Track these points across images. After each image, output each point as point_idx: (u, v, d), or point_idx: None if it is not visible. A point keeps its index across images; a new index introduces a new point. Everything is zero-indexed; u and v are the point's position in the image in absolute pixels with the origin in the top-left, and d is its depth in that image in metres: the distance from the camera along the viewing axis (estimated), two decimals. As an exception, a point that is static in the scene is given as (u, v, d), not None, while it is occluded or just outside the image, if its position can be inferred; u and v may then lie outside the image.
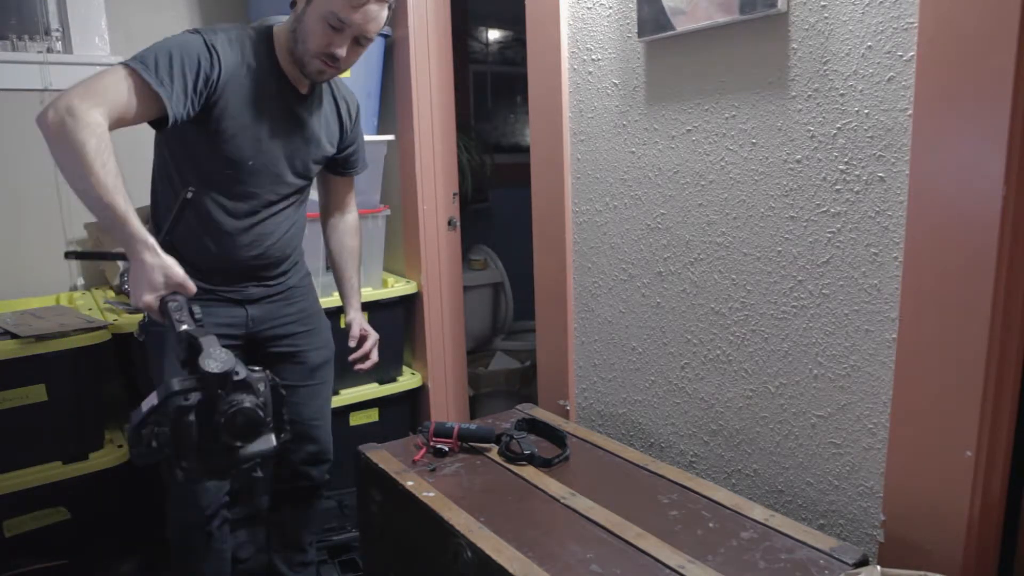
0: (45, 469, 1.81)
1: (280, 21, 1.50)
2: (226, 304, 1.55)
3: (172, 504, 1.60)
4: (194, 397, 1.02)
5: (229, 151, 1.44)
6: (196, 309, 1.21)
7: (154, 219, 1.53)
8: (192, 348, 1.09)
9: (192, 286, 1.23)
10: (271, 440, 1.09)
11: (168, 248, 1.27)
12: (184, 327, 1.14)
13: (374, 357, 1.78)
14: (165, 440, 1.04)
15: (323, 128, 1.60)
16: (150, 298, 1.20)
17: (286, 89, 1.50)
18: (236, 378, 1.04)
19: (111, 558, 1.90)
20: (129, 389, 2.11)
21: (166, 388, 1.03)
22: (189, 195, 1.27)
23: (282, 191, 1.56)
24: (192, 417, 1.02)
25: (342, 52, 1.44)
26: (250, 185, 1.50)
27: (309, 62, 1.44)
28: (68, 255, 1.39)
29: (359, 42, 1.46)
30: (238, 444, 1.05)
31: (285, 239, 1.61)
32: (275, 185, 1.54)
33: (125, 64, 1.28)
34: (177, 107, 1.32)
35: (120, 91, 1.26)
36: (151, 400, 1.05)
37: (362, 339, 1.77)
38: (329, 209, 1.80)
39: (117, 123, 1.27)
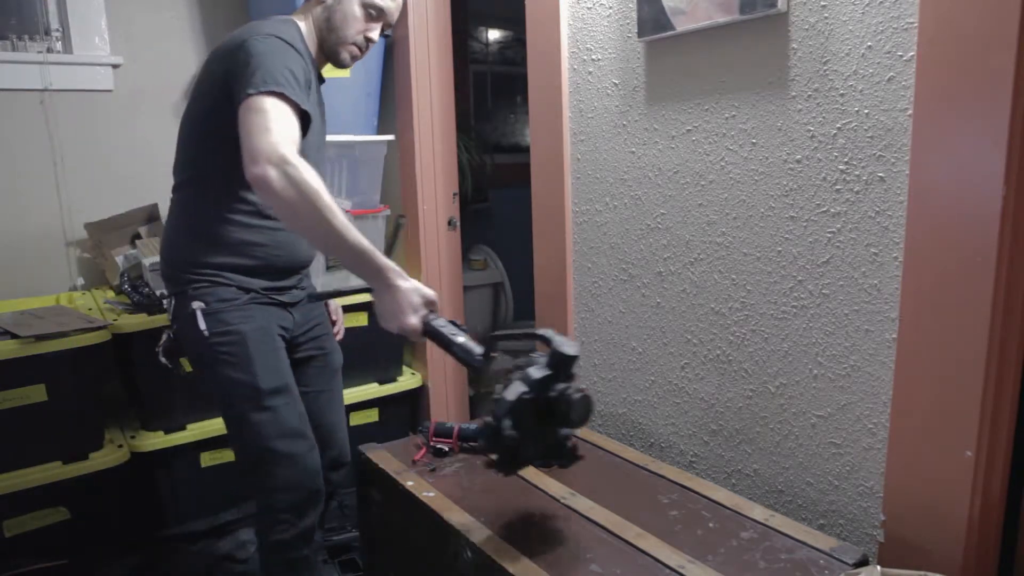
0: (45, 469, 1.81)
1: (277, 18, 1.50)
2: (278, 307, 1.53)
3: (273, 528, 1.51)
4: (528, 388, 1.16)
5: (306, 144, 1.41)
6: (442, 319, 1.28)
7: (200, 233, 1.47)
8: (469, 353, 1.22)
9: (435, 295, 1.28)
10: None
11: (237, 254, 1.41)
12: (460, 338, 1.24)
13: (340, 329, 1.84)
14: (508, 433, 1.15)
15: (323, 110, 1.64)
16: (415, 320, 1.23)
17: (318, 77, 1.53)
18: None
19: (111, 558, 1.90)
20: (129, 389, 2.11)
21: (529, 381, 1.16)
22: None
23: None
24: (530, 406, 1.15)
25: (376, 36, 1.51)
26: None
27: (344, 49, 1.49)
28: (311, 298, 1.54)
29: (385, 27, 1.53)
30: (568, 426, 1.18)
31: None
32: (321, 168, 1.56)
33: (271, 92, 1.26)
34: (312, 111, 1.35)
35: (292, 122, 1.28)
36: (509, 396, 1.16)
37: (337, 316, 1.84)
38: None
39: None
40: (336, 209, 1.22)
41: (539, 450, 1.21)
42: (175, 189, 1.52)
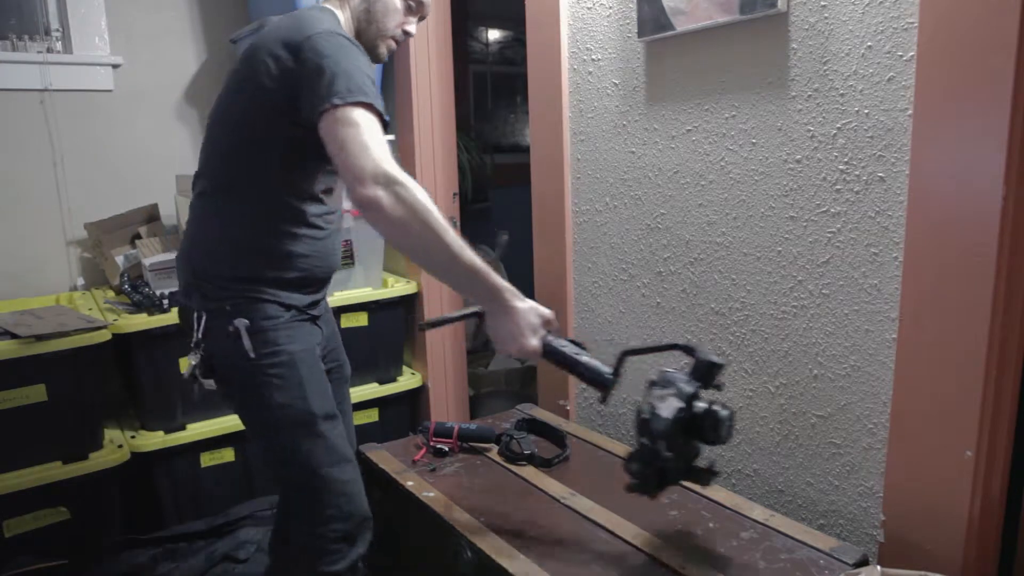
0: (45, 469, 1.81)
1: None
2: (311, 323, 1.41)
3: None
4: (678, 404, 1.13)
5: None
6: (562, 338, 1.25)
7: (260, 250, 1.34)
8: (598, 372, 1.21)
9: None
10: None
11: (277, 271, 1.30)
12: (584, 357, 1.22)
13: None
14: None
15: None
16: (536, 342, 1.19)
17: None
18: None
19: (111, 558, 1.90)
20: (129, 389, 2.11)
21: (684, 395, 1.13)
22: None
23: None
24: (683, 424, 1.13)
25: (414, 30, 1.45)
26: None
27: (383, 42, 1.42)
28: (422, 327, 1.43)
29: (420, 19, 1.48)
30: (713, 443, 1.16)
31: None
32: None
33: (359, 103, 1.17)
34: (388, 119, 1.26)
35: (383, 135, 1.20)
36: (664, 413, 1.13)
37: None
38: None
39: None
40: (449, 227, 1.14)
41: (683, 469, 1.19)
42: (204, 194, 1.36)
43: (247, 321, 1.28)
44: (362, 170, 1.12)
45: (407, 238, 1.16)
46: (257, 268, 1.31)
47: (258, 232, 1.31)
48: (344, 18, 1.38)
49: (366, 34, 1.39)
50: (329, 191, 1.38)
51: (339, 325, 1.86)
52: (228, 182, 1.33)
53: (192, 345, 1.32)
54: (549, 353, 1.22)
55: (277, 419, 1.33)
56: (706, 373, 1.16)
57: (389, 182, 1.12)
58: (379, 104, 1.20)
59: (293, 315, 1.34)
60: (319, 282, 1.42)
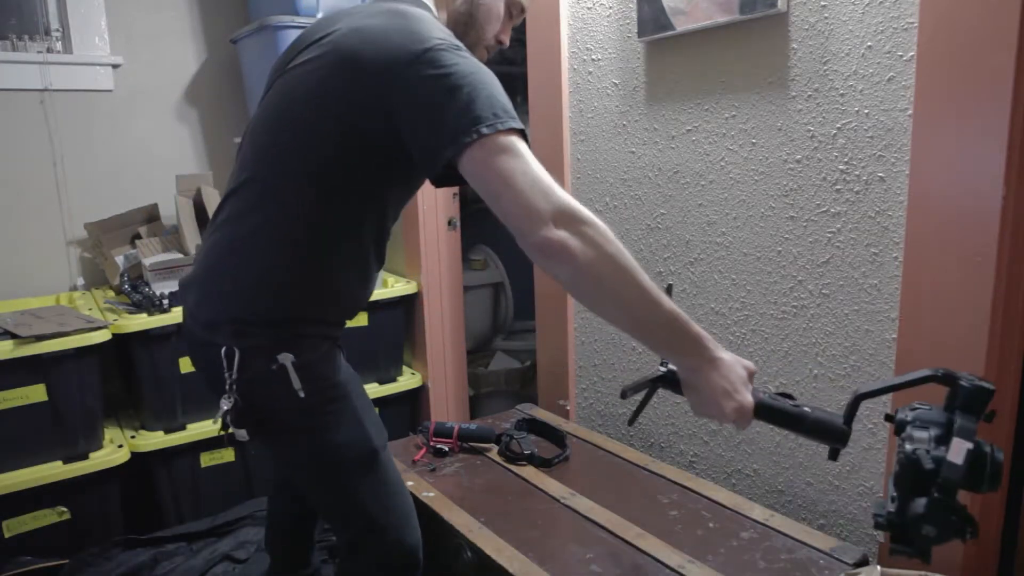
0: (45, 469, 1.81)
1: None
2: (338, 350, 1.24)
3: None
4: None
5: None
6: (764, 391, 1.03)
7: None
8: (830, 425, 0.98)
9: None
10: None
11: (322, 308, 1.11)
12: (806, 409, 1.00)
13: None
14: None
15: None
16: (749, 397, 0.97)
17: None
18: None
19: (111, 558, 1.90)
20: (129, 389, 2.11)
21: (970, 436, 0.88)
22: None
23: None
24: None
25: (508, 40, 1.28)
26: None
27: (479, 50, 1.23)
28: (624, 394, 1.11)
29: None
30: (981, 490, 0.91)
31: None
32: None
33: (513, 130, 0.96)
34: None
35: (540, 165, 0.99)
36: (957, 459, 0.86)
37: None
38: None
39: None
40: (642, 271, 0.95)
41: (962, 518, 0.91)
42: (235, 220, 1.12)
43: (292, 356, 1.09)
44: (541, 211, 0.93)
45: (599, 287, 0.95)
46: (303, 308, 1.13)
47: (317, 276, 1.12)
48: (442, 20, 1.19)
49: (465, 39, 1.15)
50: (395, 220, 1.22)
51: (339, 325, 1.86)
52: (280, 213, 1.09)
53: (225, 388, 1.10)
54: (765, 412, 1.00)
55: (337, 460, 1.18)
56: (975, 402, 0.91)
57: (575, 221, 0.93)
58: (522, 127, 0.98)
59: (331, 345, 1.19)
60: (351, 313, 1.25)
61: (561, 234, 0.92)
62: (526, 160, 0.95)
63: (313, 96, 1.06)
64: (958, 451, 0.88)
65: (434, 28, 1.04)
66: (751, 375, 1.00)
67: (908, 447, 0.90)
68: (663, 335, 0.98)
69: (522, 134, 0.97)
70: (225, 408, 1.10)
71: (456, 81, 0.97)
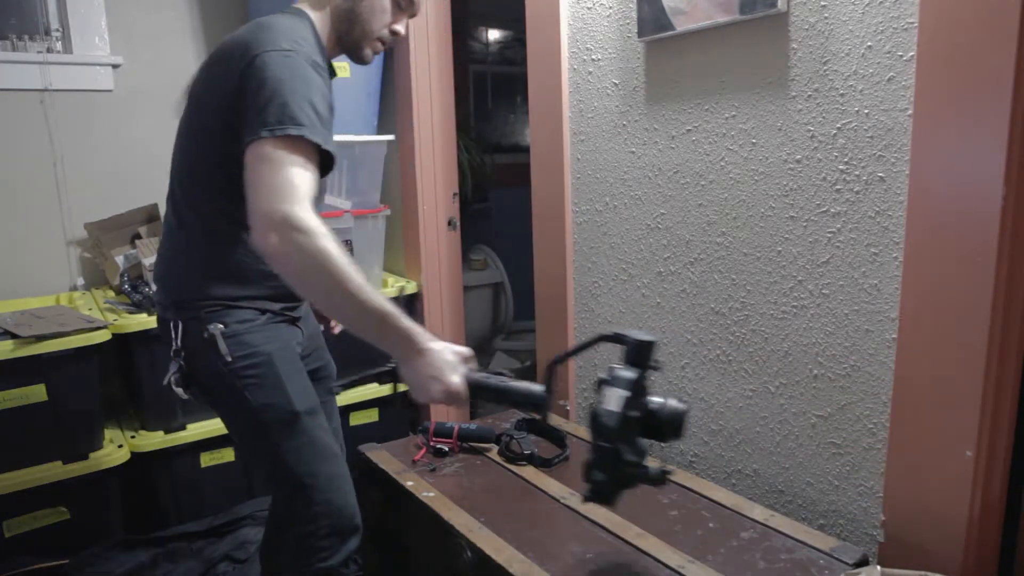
0: (45, 469, 1.81)
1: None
2: (288, 324, 1.41)
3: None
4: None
5: (328, 164, 1.28)
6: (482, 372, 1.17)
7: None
8: (530, 393, 1.11)
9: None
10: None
11: (244, 281, 1.28)
12: (511, 383, 1.13)
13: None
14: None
15: None
16: (458, 379, 1.10)
17: (329, 71, 1.37)
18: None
19: (111, 558, 1.90)
20: (129, 389, 2.11)
21: (625, 383, 1.05)
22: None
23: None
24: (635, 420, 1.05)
25: (403, 30, 1.38)
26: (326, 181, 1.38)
27: (370, 44, 1.34)
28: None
29: (410, 17, 1.41)
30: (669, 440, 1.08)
31: None
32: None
33: (287, 136, 1.09)
34: (334, 150, 1.19)
35: (305, 169, 1.11)
36: (612, 406, 1.03)
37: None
38: None
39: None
40: (352, 273, 1.06)
41: (640, 470, 1.08)
42: (179, 226, 1.33)
43: (222, 326, 1.27)
44: (260, 213, 1.06)
45: (305, 288, 1.12)
46: (226, 287, 1.30)
47: (231, 264, 1.29)
48: (321, 19, 1.32)
49: (350, 35, 1.33)
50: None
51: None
52: (193, 219, 1.31)
53: (172, 354, 1.32)
54: (475, 388, 1.13)
55: (260, 420, 1.32)
56: (639, 355, 1.07)
57: (285, 227, 1.04)
58: (315, 136, 1.11)
59: (269, 318, 1.33)
60: (295, 296, 1.36)
61: (272, 240, 1.05)
62: (278, 168, 1.07)
63: (201, 103, 1.26)
64: (611, 399, 1.03)
65: (280, 37, 1.18)
66: (464, 359, 1.13)
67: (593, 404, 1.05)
68: (372, 332, 1.11)
69: (300, 140, 1.09)
70: (173, 370, 1.32)
71: (263, 85, 1.11)
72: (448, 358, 1.11)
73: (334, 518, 1.35)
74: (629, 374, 1.06)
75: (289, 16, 1.28)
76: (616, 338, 1.09)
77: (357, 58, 1.38)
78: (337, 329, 1.68)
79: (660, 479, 1.08)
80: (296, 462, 1.32)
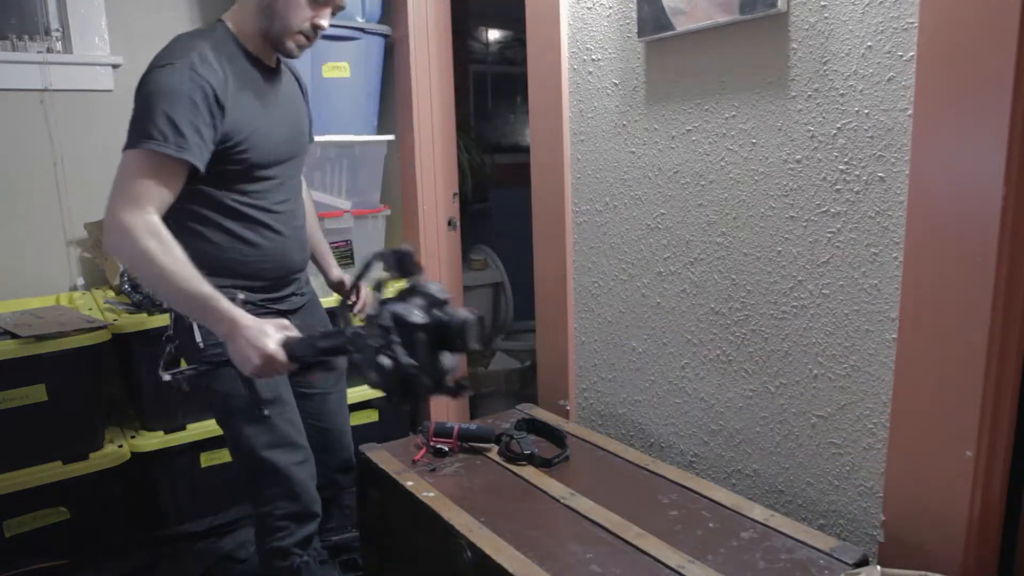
0: (45, 469, 1.81)
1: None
2: (275, 315, 1.43)
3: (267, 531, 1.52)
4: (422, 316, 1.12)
5: (254, 157, 1.41)
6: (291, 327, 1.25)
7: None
8: (331, 341, 1.19)
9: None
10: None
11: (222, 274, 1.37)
12: (317, 337, 1.21)
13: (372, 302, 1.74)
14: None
15: (297, 95, 1.59)
16: (272, 344, 1.18)
17: (264, 71, 1.46)
18: (442, 296, 1.15)
19: (111, 558, 1.90)
20: (129, 389, 2.11)
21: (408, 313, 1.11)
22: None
23: (297, 167, 1.56)
24: (423, 334, 1.11)
25: (327, 23, 1.41)
26: (278, 176, 1.48)
27: (290, 38, 1.40)
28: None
29: (335, 11, 1.44)
30: (467, 350, 1.14)
31: (301, 215, 1.59)
32: (294, 167, 1.54)
33: (138, 148, 1.25)
34: (201, 158, 1.29)
35: (151, 178, 1.25)
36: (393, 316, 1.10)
37: (356, 289, 1.73)
38: None
39: (167, 203, 1.28)
40: (175, 267, 1.21)
41: (433, 381, 1.14)
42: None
43: None
44: (109, 217, 1.24)
45: (140, 279, 1.30)
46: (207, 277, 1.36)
47: (194, 252, 1.33)
48: (242, 22, 1.41)
49: (271, 31, 1.39)
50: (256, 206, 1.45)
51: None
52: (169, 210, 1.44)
53: (163, 340, 1.46)
54: (290, 349, 1.19)
55: (223, 406, 1.46)
56: (401, 264, 1.15)
57: (119, 231, 1.22)
58: (164, 148, 1.24)
59: (248, 309, 1.37)
60: (275, 280, 1.51)
61: (108, 240, 1.25)
62: (125, 177, 1.25)
63: None
64: (371, 302, 1.14)
65: (175, 51, 1.31)
66: (281, 327, 1.22)
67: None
68: (199, 315, 1.26)
69: (151, 153, 1.24)
70: (164, 355, 1.41)
71: (140, 99, 1.29)
72: (264, 328, 1.20)
73: (290, 502, 1.48)
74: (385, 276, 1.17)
75: (200, 29, 1.45)
76: (386, 254, 1.17)
77: (283, 52, 1.44)
78: (358, 308, 1.72)
79: (454, 391, 1.16)
80: (254, 446, 1.45)
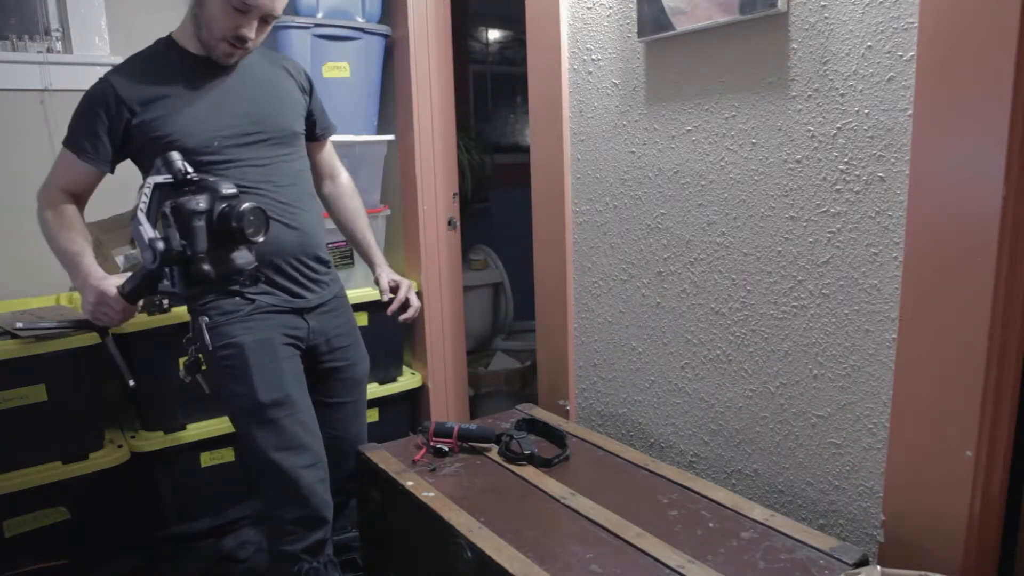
0: (45, 469, 1.81)
1: None
2: (289, 314, 1.54)
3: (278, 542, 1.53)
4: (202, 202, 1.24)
5: (189, 143, 1.45)
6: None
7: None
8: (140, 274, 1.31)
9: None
10: (251, 255, 1.30)
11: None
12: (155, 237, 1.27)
13: (415, 302, 1.75)
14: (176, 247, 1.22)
15: (271, 83, 1.60)
16: (107, 284, 1.34)
17: (207, 66, 1.51)
18: (229, 191, 1.27)
19: (111, 558, 1.90)
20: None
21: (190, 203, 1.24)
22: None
23: (274, 149, 1.56)
24: (201, 221, 1.23)
25: (251, 34, 1.44)
26: (239, 158, 1.51)
27: (216, 46, 1.46)
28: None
29: (266, 20, 1.45)
30: (248, 239, 1.24)
31: (295, 194, 1.58)
32: (263, 149, 1.54)
33: (63, 145, 1.47)
34: (103, 162, 1.48)
35: (63, 171, 1.48)
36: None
37: (395, 289, 1.75)
38: (321, 178, 1.80)
39: (78, 193, 1.50)
40: (56, 232, 1.44)
41: (219, 273, 1.26)
42: None
43: (207, 318, 1.45)
44: (39, 195, 1.50)
45: (44, 236, 1.48)
46: None
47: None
48: (183, 29, 1.52)
49: (200, 39, 1.49)
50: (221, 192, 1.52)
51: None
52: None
53: (184, 342, 1.48)
54: (123, 288, 1.34)
55: (232, 407, 1.50)
56: (168, 166, 1.28)
57: (38, 206, 1.49)
58: (67, 145, 1.47)
59: (256, 307, 1.47)
60: (271, 268, 1.52)
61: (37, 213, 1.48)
62: (55, 164, 1.50)
63: None
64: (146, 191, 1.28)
65: (119, 65, 1.49)
66: (115, 278, 1.37)
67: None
68: (68, 271, 1.43)
69: (71, 149, 1.46)
70: (186, 357, 1.46)
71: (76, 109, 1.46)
72: (107, 277, 1.37)
73: (299, 507, 1.47)
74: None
75: (156, 42, 1.57)
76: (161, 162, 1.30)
77: (215, 58, 1.50)
78: (404, 317, 1.75)
79: (244, 282, 1.31)
80: (263, 448, 1.46)
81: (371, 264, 1.81)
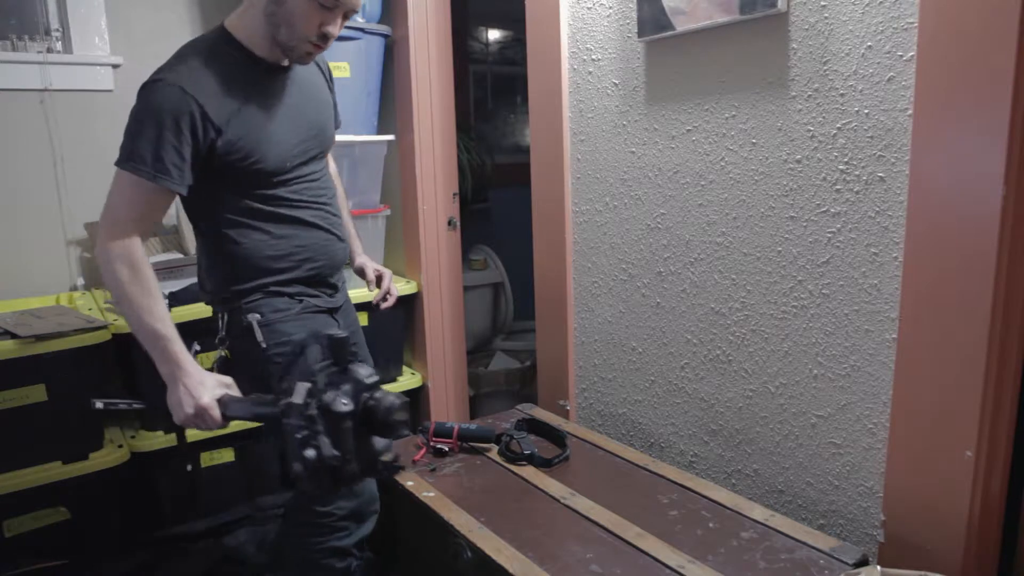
0: (45, 469, 1.81)
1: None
2: (327, 315, 1.51)
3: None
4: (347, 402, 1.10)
5: (267, 166, 1.38)
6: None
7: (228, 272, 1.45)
8: (264, 408, 1.18)
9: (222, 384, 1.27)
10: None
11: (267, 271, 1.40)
12: (260, 407, 1.20)
13: (395, 292, 1.73)
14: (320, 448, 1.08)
15: (317, 85, 1.54)
16: (208, 399, 1.21)
17: (271, 72, 1.41)
18: (371, 380, 1.13)
19: (111, 558, 1.90)
20: (129, 389, 2.11)
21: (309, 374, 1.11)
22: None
23: (324, 160, 1.54)
24: (350, 423, 1.09)
25: (336, 30, 1.36)
26: (303, 175, 1.46)
27: (299, 46, 1.35)
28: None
29: (347, 16, 1.39)
30: (397, 437, 1.15)
31: (338, 209, 1.57)
32: (319, 162, 1.51)
33: (122, 168, 1.27)
34: (180, 184, 1.29)
35: (136, 200, 1.28)
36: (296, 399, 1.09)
37: (379, 279, 1.72)
38: None
39: (149, 224, 1.32)
40: (136, 296, 1.25)
41: (360, 467, 1.12)
42: (199, 233, 1.49)
43: (259, 315, 1.40)
44: (102, 230, 1.28)
45: (110, 289, 1.28)
46: (261, 279, 1.41)
47: (246, 250, 1.41)
48: (246, 28, 1.37)
49: (278, 38, 1.35)
50: (284, 202, 1.43)
51: (339, 325, 1.86)
52: (195, 214, 1.44)
53: (216, 342, 1.44)
54: (225, 406, 1.22)
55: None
56: (334, 350, 1.13)
57: (103, 257, 1.26)
58: (135, 169, 1.26)
59: (305, 306, 1.44)
60: (324, 275, 1.50)
61: (96, 250, 1.27)
62: (114, 196, 1.28)
63: None
64: (298, 392, 1.09)
65: (171, 63, 1.31)
66: (223, 384, 1.25)
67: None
68: (148, 347, 1.26)
69: (131, 173, 1.26)
70: (215, 360, 1.43)
71: (131, 113, 1.31)
72: (205, 380, 1.23)
73: (354, 501, 1.44)
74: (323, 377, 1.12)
75: (203, 36, 1.40)
76: (316, 339, 1.16)
77: (293, 59, 1.41)
78: (384, 305, 1.72)
79: (386, 472, 1.15)
80: None
81: (353, 253, 1.74)
